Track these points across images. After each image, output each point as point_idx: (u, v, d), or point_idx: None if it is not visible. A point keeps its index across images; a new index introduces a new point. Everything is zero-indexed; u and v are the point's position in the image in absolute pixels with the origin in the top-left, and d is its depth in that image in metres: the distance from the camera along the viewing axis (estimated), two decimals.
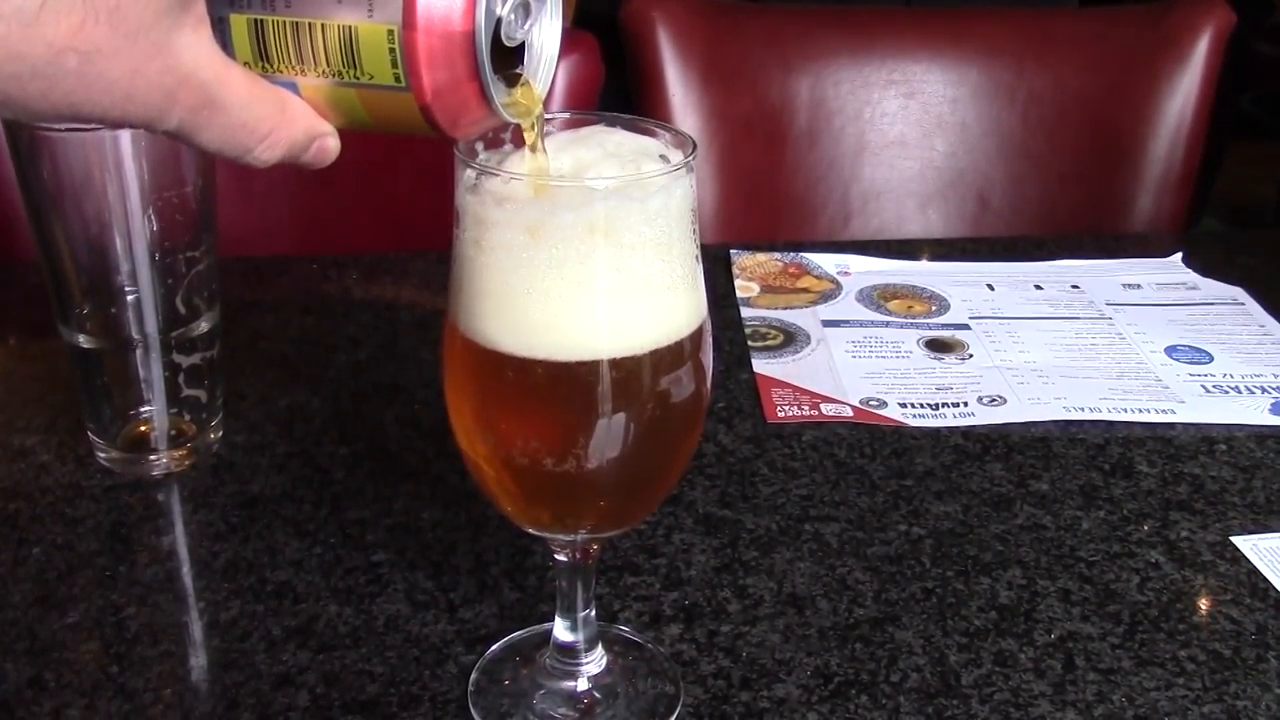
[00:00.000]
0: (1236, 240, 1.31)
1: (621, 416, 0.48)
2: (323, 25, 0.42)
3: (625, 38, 1.37)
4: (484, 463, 0.51)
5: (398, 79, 0.42)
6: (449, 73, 0.42)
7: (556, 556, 0.56)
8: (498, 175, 0.47)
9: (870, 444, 0.81)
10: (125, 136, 0.69)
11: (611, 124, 0.51)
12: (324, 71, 0.43)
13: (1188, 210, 1.39)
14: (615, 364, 0.47)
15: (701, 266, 0.51)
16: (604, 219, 0.46)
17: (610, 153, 0.48)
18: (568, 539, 0.54)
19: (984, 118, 1.40)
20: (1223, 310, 1.01)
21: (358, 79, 0.43)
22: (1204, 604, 0.66)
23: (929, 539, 0.71)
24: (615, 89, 1.39)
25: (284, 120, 0.43)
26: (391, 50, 0.42)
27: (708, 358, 0.52)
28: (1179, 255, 1.11)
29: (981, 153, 1.41)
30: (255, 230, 1.24)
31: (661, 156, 0.49)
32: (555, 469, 0.49)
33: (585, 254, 0.46)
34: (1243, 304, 1.02)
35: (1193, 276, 1.08)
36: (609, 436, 0.49)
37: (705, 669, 0.60)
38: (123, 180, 0.70)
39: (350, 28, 0.42)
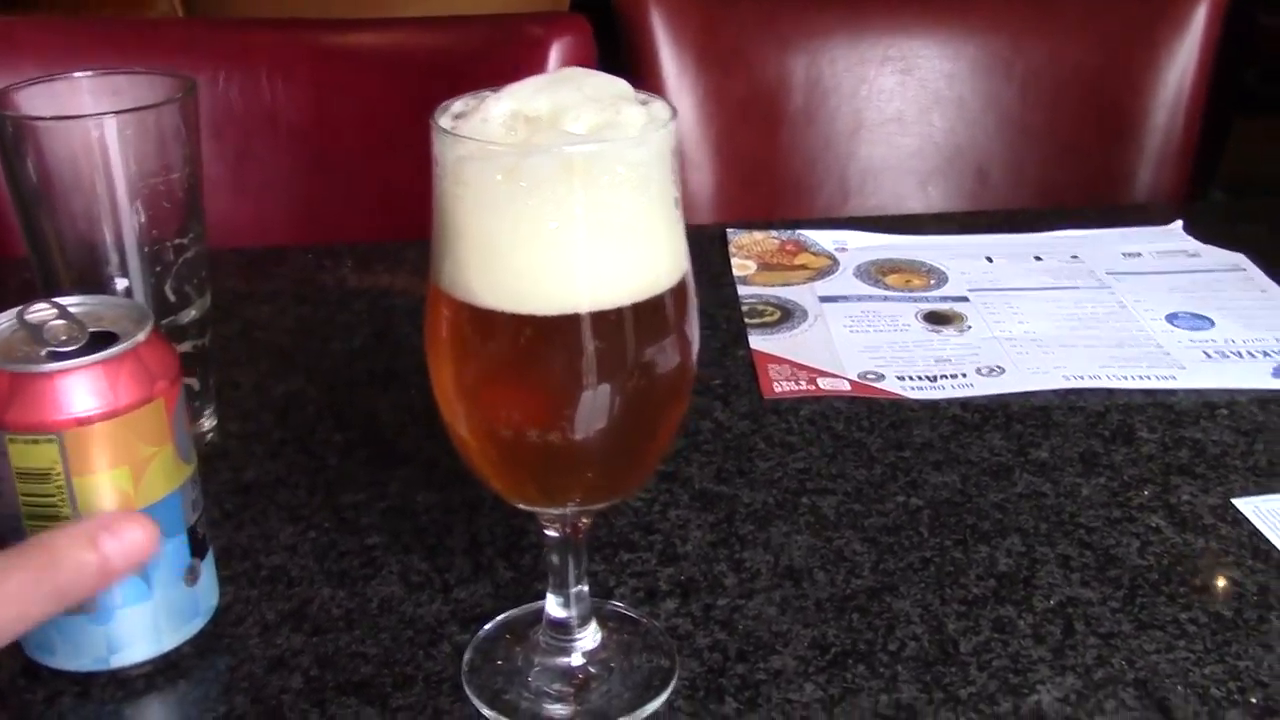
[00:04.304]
0: (1237, 208, 1.30)
1: (605, 370, 0.48)
2: None
3: (618, 19, 1.36)
4: (469, 436, 0.51)
5: None
6: None
7: (547, 532, 0.55)
8: (470, 124, 0.47)
9: (868, 417, 0.80)
10: (111, 124, 0.69)
11: None
12: None
13: (1189, 181, 1.38)
14: (597, 314, 0.47)
15: (682, 214, 0.51)
16: (581, 161, 0.45)
17: (589, 96, 0.48)
18: (557, 513, 0.54)
19: (981, 93, 1.39)
20: (1224, 276, 1.00)
21: None
22: (1205, 567, 0.65)
23: (927, 509, 0.70)
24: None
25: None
26: None
27: (692, 311, 0.51)
28: (1179, 223, 1.10)
29: (980, 128, 1.40)
30: (250, 222, 1.24)
31: (642, 102, 0.49)
32: (540, 439, 0.49)
33: (563, 196, 0.46)
34: (1244, 270, 1.02)
35: (1193, 244, 1.07)
36: (593, 394, 0.48)
37: (701, 642, 0.60)
38: (109, 169, 0.70)
39: None
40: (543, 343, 0.47)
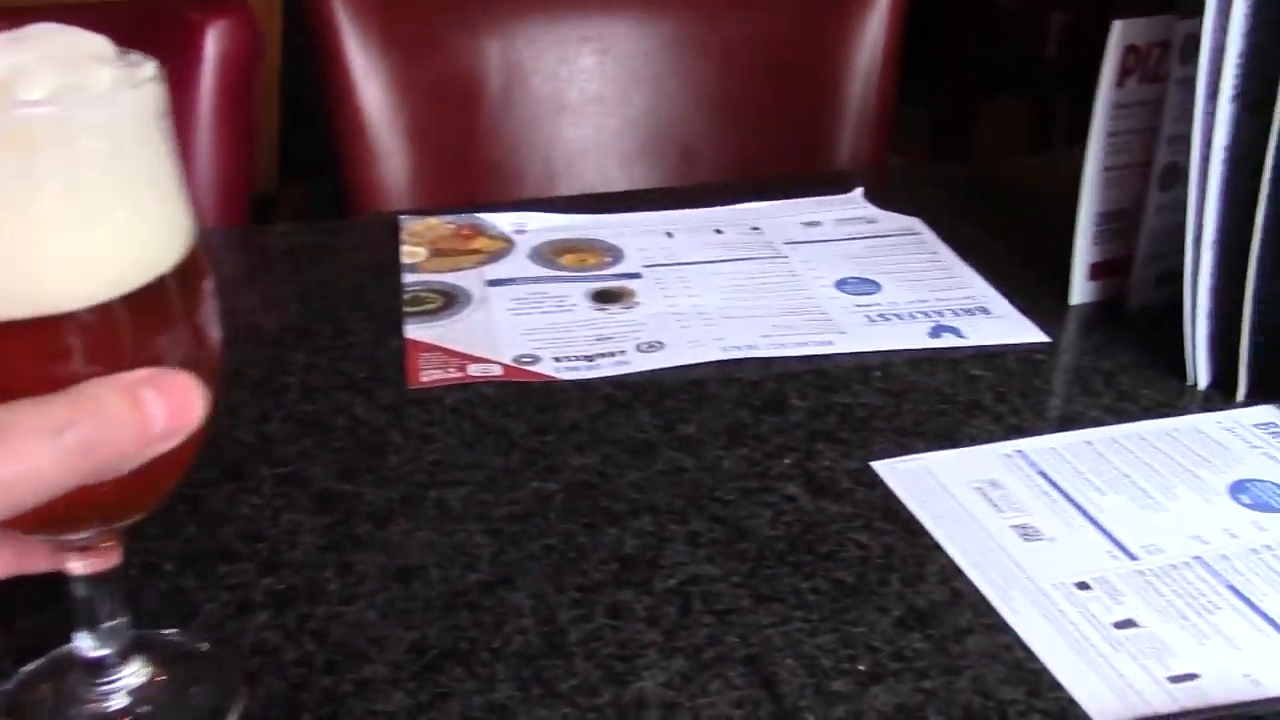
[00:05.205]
0: (919, 174, 1.32)
1: (92, 376, 0.41)
2: None
3: (301, 6, 1.30)
4: None
5: None
6: None
7: (69, 565, 0.49)
8: None
9: (515, 402, 0.76)
10: None
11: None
12: None
13: (886, 149, 1.39)
14: (72, 313, 0.41)
15: (182, 188, 0.45)
16: (28, 130, 0.39)
17: (52, 55, 0.41)
18: (76, 539, 0.47)
19: (680, 70, 1.37)
20: (898, 241, 1.00)
21: None
22: (834, 533, 0.63)
23: (560, 494, 0.67)
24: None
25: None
26: None
27: (206, 293, 0.45)
28: (860, 190, 1.10)
29: (681, 105, 1.38)
30: None
31: (130, 63, 0.43)
32: None
33: (13, 173, 0.39)
34: (919, 234, 1.02)
35: (872, 210, 1.07)
36: None
37: (288, 657, 0.55)
38: None
39: None
40: (9, 351, 0.41)
